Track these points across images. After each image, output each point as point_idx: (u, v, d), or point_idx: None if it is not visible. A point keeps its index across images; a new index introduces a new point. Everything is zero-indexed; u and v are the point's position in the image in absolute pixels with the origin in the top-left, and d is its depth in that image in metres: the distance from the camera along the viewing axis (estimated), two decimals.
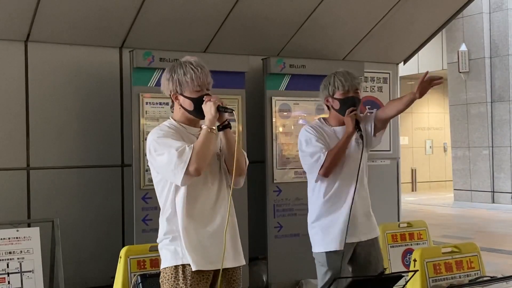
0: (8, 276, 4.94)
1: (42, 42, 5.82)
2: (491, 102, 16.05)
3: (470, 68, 16.27)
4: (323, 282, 3.89)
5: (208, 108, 2.99)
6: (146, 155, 3.44)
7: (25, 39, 5.75)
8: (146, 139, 3.66)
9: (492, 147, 16.08)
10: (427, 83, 3.74)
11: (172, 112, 3.22)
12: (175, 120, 3.15)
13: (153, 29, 6.09)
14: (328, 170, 3.83)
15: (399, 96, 7.00)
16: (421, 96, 3.76)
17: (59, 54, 5.91)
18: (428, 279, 4.20)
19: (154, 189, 3.16)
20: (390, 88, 7.73)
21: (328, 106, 4.02)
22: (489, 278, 4.25)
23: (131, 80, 5.74)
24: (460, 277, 4.32)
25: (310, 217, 3.99)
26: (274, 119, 6.39)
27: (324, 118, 4.09)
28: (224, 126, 3.06)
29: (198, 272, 2.99)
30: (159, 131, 3.07)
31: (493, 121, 16.08)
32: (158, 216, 3.14)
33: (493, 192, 16.04)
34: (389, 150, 7.68)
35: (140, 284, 3.94)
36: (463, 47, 16.28)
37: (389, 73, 7.76)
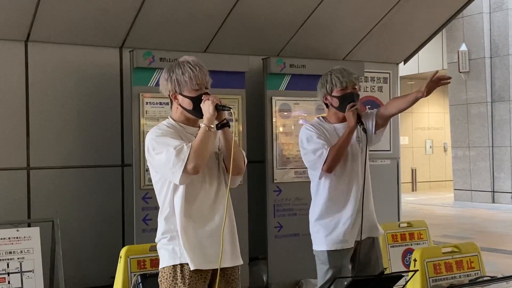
0: (8, 276, 4.94)
1: (42, 42, 5.82)
2: (491, 102, 16.05)
3: (470, 68, 16.26)
4: (324, 281, 3.89)
5: (207, 107, 3.00)
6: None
7: (25, 39, 5.75)
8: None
9: (492, 147, 16.08)
10: (435, 82, 3.74)
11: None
12: (173, 119, 3.16)
13: (153, 29, 6.09)
14: (331, 165, 3.82)
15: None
16: (428, 95, 3.76)
17: (59, 54, 5.91)
18: (428, 279, 4.20)
19: (154, 189, 3.17)
20: (390, 88, 7.73)
21: (327, 104, 4.02)
22: (489, 278, 4.24)
23: (131, 80, 5.74)
24: (460, 277, 4.32)
25: (313, 215, 3.98)
26: (274, 119, 6.39)
27: (323, 117, 4.09)
28: (223, 125, 3.06)
29: (196, 271, 2.99)
30: (157, 130, 3.08)
31: (493, 121, 16.08)
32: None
33: (493, 192, 16.04)
34: (389, 150, 7.68)
35: (140, 284, 3.94)
36: (463, 47, 16.27)
37: (389, 73, 7.76)
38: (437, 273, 4.25)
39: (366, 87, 7.50)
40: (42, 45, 5.83)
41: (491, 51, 16.04)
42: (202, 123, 3.00)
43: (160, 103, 5.69)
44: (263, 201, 6.33)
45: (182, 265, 3.00)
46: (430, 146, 22.53)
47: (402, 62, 8.05)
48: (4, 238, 5.01)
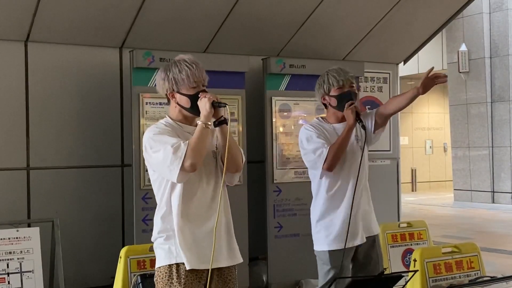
0: (8, 276, 4.94)
1: (42, 42, 5.82)
2: (491, 102, 16.05)
3: (470, 68, 16.26)
4: (325, 281, 3.89)
5: (203, 104, 3.00)
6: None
7: (25, 39, 5.75)
8: None
9: (492, 147, 16.08)
10: (431, 80, 3.73)
11: None
12: (171, 118, 3.16)
13: (153, 29, 6.09)
14: (332, 163, 3.82)
15: None
16: (424, 92, 3.75)
17: (59, 54, 5.92)
18: (428, 279, 4.21)
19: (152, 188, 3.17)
20: (390, 88, 7.73)
21: (325, 105, 4.02)
22: (489, 278, 4.25)
23: (131, 80, 5.74)
24: (460, 277, 4.32)
25: (314, 216, 3.99)
26: (274, 119, 6.39)
27: (322, 117, 4.09)
28: (220, 122, 3.05)
29: (192, 271, 2.99)
30: (155, 128, 3.08)
31: (493, 121, 16.08)
32: None
33: (493, 192, 16.03)
34: (389, 150, 7.68)
35: (140, 284, 3.94)
36: (463, 47, 16.27)
37: (389, 73, 7.76)
38: (437, 273, 4.25)
39: (366, 87, 7.51)
40: (42, 45, 5.83)
41: (491, 51, 16.03)
42: (199, 121, 3.00)
43: (160, 103, 5.69)
44: (263, 201, 6.33)
45: (178, 264, 3.00)
46: (430, 146, 22.52)
47: (402, 62, 8.05)
48: (4, 238, 5.01)
